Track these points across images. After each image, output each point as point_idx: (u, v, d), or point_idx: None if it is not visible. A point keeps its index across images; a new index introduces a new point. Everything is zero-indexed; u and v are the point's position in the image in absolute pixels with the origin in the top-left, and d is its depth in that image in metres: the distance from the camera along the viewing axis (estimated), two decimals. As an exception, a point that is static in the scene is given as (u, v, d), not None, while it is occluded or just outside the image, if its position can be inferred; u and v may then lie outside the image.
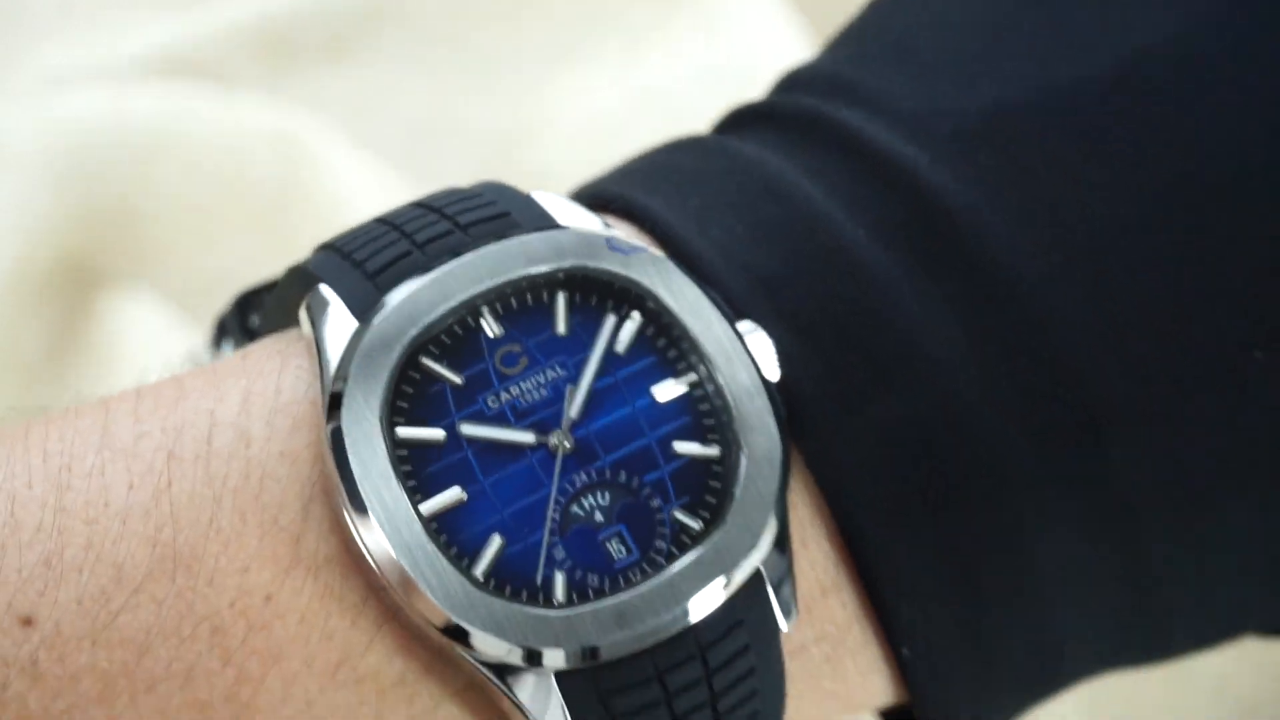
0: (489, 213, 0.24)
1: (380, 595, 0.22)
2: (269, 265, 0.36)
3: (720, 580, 0.22)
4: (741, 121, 0.28)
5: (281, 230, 0.42)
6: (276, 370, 0.23)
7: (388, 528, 0.21)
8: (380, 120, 0.46)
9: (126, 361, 0.40)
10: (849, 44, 0.29)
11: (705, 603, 0.21)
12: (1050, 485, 0.24)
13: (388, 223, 0.23)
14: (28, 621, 0.21)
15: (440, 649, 0.22)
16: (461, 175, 0.41)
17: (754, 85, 0.37)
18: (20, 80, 0.45)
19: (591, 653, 0.21)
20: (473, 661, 0.21)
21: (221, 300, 0.35)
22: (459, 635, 0.21)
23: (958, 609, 0.24)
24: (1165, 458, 0.24)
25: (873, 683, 0.25)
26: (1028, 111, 0.25)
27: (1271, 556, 0.26)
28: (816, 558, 0.24)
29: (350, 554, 0.22)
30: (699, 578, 0.22)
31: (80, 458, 0.22)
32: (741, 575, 0.22)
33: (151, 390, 0.23)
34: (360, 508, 0.21)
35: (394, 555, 0.21)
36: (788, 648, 0.23)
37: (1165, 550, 0.25)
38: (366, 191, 0.42)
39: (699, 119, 0.37)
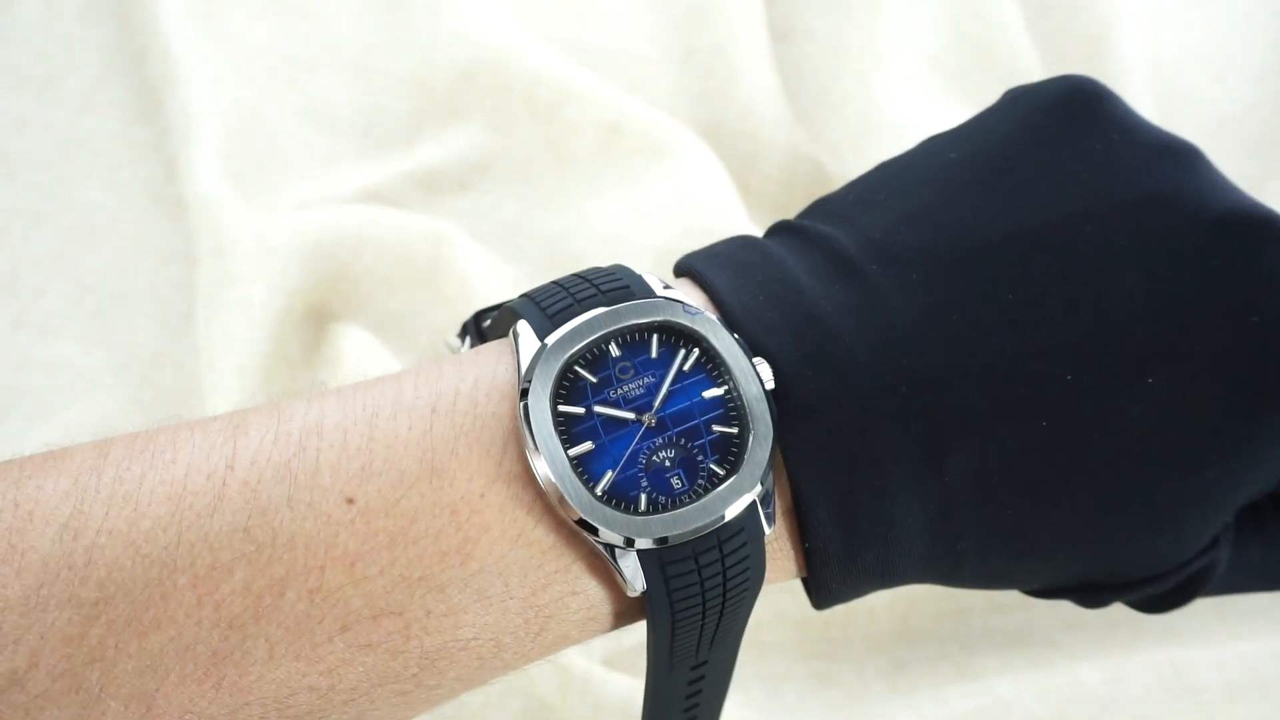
0: (617, 285, 0.30)
1: (543, 499, 0.28)
2: (426, 309, 0.52)
3: (734, 503, 0.29)
4: (777, 230, 0.34)
5: (433, 287, 0.52)
6: (493, 364, 0.30)
7: (549, 462, 0.28)
8: (488, 227, 0.55)
9: (346, 365, 0.49)
10: (854, 190, 0.34)
11: (729, 512, 0.29)
12: (906, 460, 0.30)
13: (561, 285, 0.31)
14: (351, 500, 0.28)
15: (574, 533, 0.28)
16: (535, 258, 0.54)
17: (701, 208, 0.51)
18: (283, 202, 0.54)
19: (662, 540, 0.28)
20: (594, 542, 0.28)
21: (399, 330, 0.52)
22: (587, 528, 0.28)
23: (839, 531, 0.30)
24: (981, 457, 0.30)
25: (794, 566, 0.32)
26: (942, 245, 0.31)
27: (1041, 545, 0.31)
28: (778, 495, 0.31)
29: (528, 475, 0.28)
30: (723, 501, 0.29)
31: (382, 408, 0.29)
32: (746, 501, 0.29)
33: (426, 369, 0.30)
34: (534, 449, 0.28)
35: (552, 478, 0.28)
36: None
37: (974, 533, 0.31)
38: (480, 266, 0.52)
39: (670, 228, 0.52)
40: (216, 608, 0.27)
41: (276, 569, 0.27)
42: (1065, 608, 0.49)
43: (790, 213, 0.57)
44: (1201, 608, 0.49)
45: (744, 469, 0.29)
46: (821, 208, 0.34)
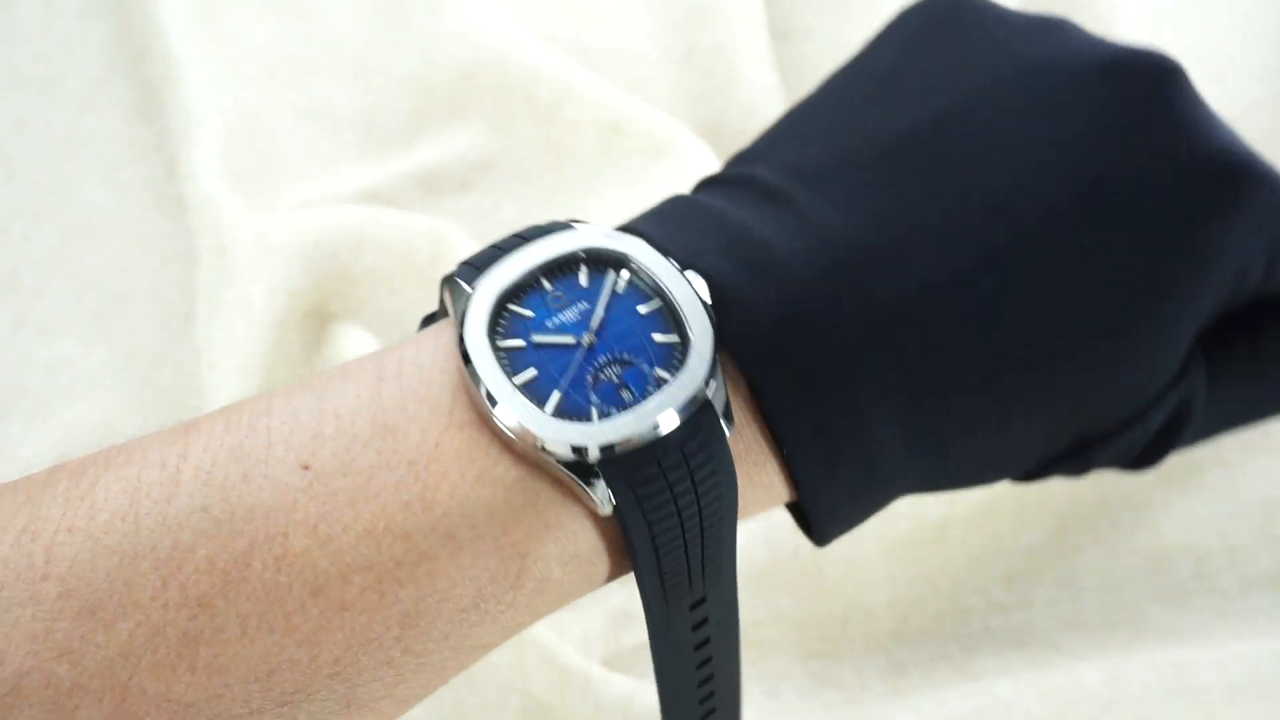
0: (542, 229, 0.31)
1: (500, 439, 0.28)
2: (427, 309, 0.51)
3: (683, 401, 0.29)
4: (700, 185, 0.36)
5: (434, 287, 0.50)
6: (436, 332, 0.31)
7: (496, 392, 0.28)
8: (489, 227, 0.55)
9: (345, 360, 0.43)
10: (765, 136, 0.36)
11: (671, 417, 0.29)
12: (862, 343, 0.30)
13: (493, 244, 0.31)
14: (306, 466, 0.28)
15: (536, 459, 0.28)
16: None
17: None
18: (283, 202, 0.54)
19: (610, 448, 0.28)
20: (555, 465, 0.28)
21: (399, 329, 0.51)
22: (544, 450, 0.28)
23: (809, 422, 0.30)
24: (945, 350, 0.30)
25: (779, 483, 0.31)
26: (849, 155, 0.33)
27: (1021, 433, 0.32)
28: (739, 403, 0.31)
29: (481, 416, 0.29)
30: (671, 399, 0.29)
31: (329, 384, 0.29)
32: (693, 397, 0.29)
33: (379, 350, 0.31)
34: (477, 383, 0.28)
35: (504, 405, 0.28)
36: (734, 455, 0.30)
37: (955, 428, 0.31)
38: None
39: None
40: (182, 588, 0.26)
41: (239, 542, 0.27)
42: (1065, 608, 0.49)
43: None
44: (1202, 607, 0.49)
45: (687, 369, 0.29)
46: (737, 159, 0.35)
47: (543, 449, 0.28)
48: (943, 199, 0.31)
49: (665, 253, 0.31)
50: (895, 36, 0.36)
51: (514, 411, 0.28)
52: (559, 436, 0.28)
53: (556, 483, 0.29)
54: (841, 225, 0.31)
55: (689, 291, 0.30)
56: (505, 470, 0.28)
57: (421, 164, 0.55)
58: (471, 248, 0.52)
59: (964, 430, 0.31)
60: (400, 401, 0.29)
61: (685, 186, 0.52)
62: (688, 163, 0.54)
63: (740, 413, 0.31)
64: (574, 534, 0.29)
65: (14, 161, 0.56)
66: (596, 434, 0.28)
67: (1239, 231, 0.32)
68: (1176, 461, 0.51)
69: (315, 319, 0.52)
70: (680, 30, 0.59)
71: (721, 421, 0.29)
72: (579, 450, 0.28)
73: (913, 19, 0.36)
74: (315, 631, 0.27)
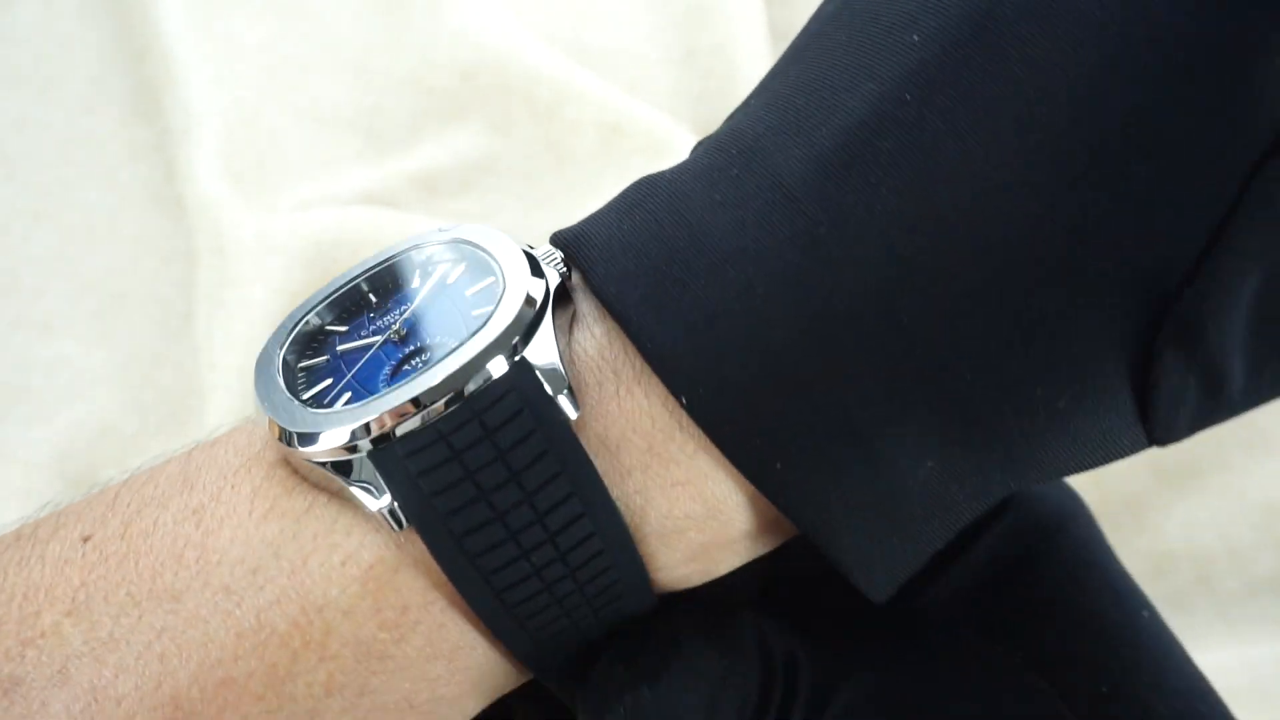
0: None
1: (292, 463, 0.24)
2: None
3: (469, 356, 0.23)
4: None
5: None
6: None
7: (276, 411, 0.24)
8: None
9: None
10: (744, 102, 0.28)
11: (453, 378, 0.23)
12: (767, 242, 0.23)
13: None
14: (87, 538, 0.25)
15: (311, 475, 0.24)
16: None
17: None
18: (283, 202, 0.54)
19: (377, 430, 0.22)
20: (317, 466, 0.23)
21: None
22: (315, 445, 0.23)
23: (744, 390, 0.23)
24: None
25: (700, 463, 0.23)
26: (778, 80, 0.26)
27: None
28: (597, 355, 0.24)
29: (274, 448, 0.25)
30: (453, 361, 0.23)
31: (145, 464, 0.27)
32: (481, 354, 0.23)
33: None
34: (261, 404, 0.25)
35: (279, 424, 0.24)
36: (609, 444, 0.23)
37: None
38: None
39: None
40: None
41: (21, 607, 0.23)
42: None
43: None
44: (1203, 610, 0.49)
45: (486, 327, 0.23)
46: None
47: (310, 458, 0.23)
48: (852, 48, 0.24)
49: (556, 237, 0.26)
50: None
51: (281, 416, 0.24)
52: (310, 426, 0.23)
53: (341, 500, 0.24)
54: (745, 127, 0.25)
55: (519, 258, 0.25)
56: (298, 501, 0.24)
57: (421, 164, 0.55)
58: None
59: (973, 342, 0.22)
60: (209, 455, 0.25)
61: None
62: (687, 163, 0.53)
63: (636, 392, 0.24)
64: (390, 578, 0.23)
65: (13, 162, 0.56)
66: (355, 416, 0.23)
67: None
68: (1177, 463, 0.51)
69: (314, 320, 0.52)
70: (680, 30, 0.60)
71: (544, 383, 0.23)
72: (349, 448, 0.23)
73: None
74: None
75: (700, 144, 0.26)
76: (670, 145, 0.55)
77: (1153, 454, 0.51)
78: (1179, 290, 0.22)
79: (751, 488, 0.23)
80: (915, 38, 0.22)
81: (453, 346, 0.23)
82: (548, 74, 0.56)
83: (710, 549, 0.24)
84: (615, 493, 0.23)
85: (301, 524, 0.24)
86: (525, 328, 0.23)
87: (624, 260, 0.23)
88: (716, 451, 0.23)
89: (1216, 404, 0.24)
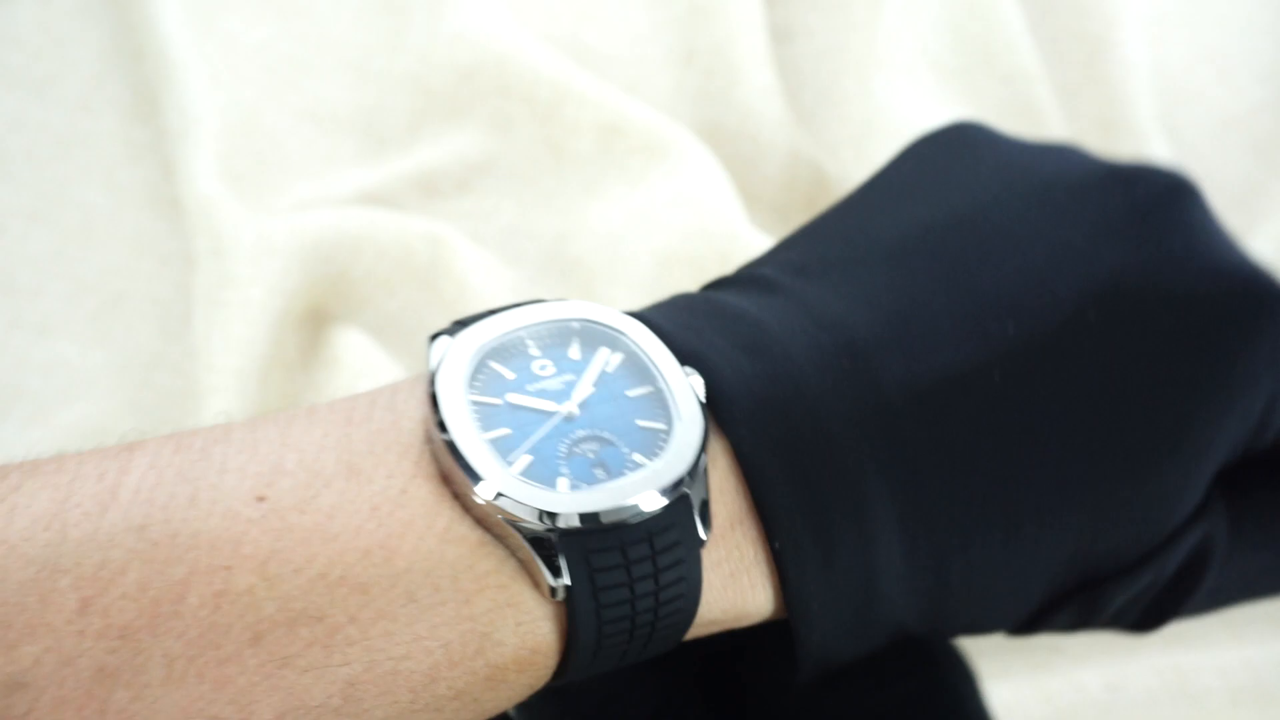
0: (543, 300, 0.30)
1: (461, 495, 0.26)
2: (425, 312, 0.52)
3: (658, 487, 0.27)
4: (705, 287, 0.34)
5: (432, 290, 0.52)
6: (414, 382, 0.29)
7: (461, 442, 0.26)
8: (488, 228, 0.55)
9: (344, 367, 0.49)
10: (775, 247, 0.34)
11: (648, 500, 0.26)
12: (861, 433, 0.28)
13: (487, 310, 0.29)
14: (261, 498, 0.25)
15: (494, 524, 0.26)
16: (535, 260, 0.54)
17: (701, 209, 0.52)
18: (281, 203, 0.54)
19: (583, 517, 0.26)
20: (511, 527, 0.26)
21: (398, 331, 0.51)
22: (505, 512, 0.26)
23: (807, 519, 0.28)
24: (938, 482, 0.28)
25: (764, 587, 0.29)
26: (856, 253, 0.31)
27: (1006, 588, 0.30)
28: (730, 502, 0.28)
29: (444, 471, 0.26)
30: (646, 483, 0.27)
31: (295, 421, 0.27)
32: (669, 486, 0.27)
33: (351, 395, 0.29)
34: (444, 430, 0.26)
35: (469, 459, 0.26)
36: (708, 559, 0.28)
37: (958, 566, 0.29)
38: (479, 269, 0.52)
39: (670, 230, 0.52)
40: (105, 614, 0.23)
41: (177, 570, 0.23)
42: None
43: (790, 214, 0.58)
44: (1204, 611, 0.49)
45: (668, 454, 0.27)
46: (745, 265, 0.34)
47: (502, 511, 0.26)
48: (952, 294, 0.30)
49: (664, 336, 0.29)
50: (910, 156, 0.35)
51: (479, 461, 0.26)
52: (526, 499, 0.26)
53: (520, 550, 0.26)
54: (846, 314, 0.29)
55: (682, 380, 0.28)
56: (470, 530, 0.26)
57: (420, 165, 0.55)
58: (470, 250, 0.53)
59: (964, 544, 0.29)
60: (368, 444, 0.26)
61: (684, 187, 0.54)
62: (688, 164, 0.54)
63: (729, 507, 0.28)
64: (533, 619, 0.26)
65: (11, 161, 0.56)
66: (566, 503, 0.26)
67: (1264, 356, 0.30)
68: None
69: (313, 321, 0.52)
70: (680, 30, 0.60)
71: (697, 521, 0.27)
72: (546, 518, 0.26)
73: (927, 143, 0.35)
74: (249, 688, 0.23)
75: (770, 283, 0.31)
76: (669, 146, 0.55)
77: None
78: (1106, 576, 0.31)
79: (778, 604, 0.29)
80: (1010, 329, 0.29)
81: (636, 463, 0.27)
82: (547, 74, 0.56)
83: (715, 627, 0.29)
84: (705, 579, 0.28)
85: (476, 556, 0.26)
86: (695, 464, 0.27)
87: (762, 433, 0.28)
88: (772, 582, 0.29)
89: (1066, 631, 0.33)
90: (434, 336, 0.29)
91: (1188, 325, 0.29)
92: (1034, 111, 0.58)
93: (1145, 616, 0.33)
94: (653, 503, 0.26)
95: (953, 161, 0.34)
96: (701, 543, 0.27)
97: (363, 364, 0.50)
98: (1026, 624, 0.32)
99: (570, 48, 0.59)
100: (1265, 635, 0.48)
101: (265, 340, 0.49)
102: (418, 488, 0.26)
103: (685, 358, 0.29)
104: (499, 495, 0.26)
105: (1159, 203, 0.31)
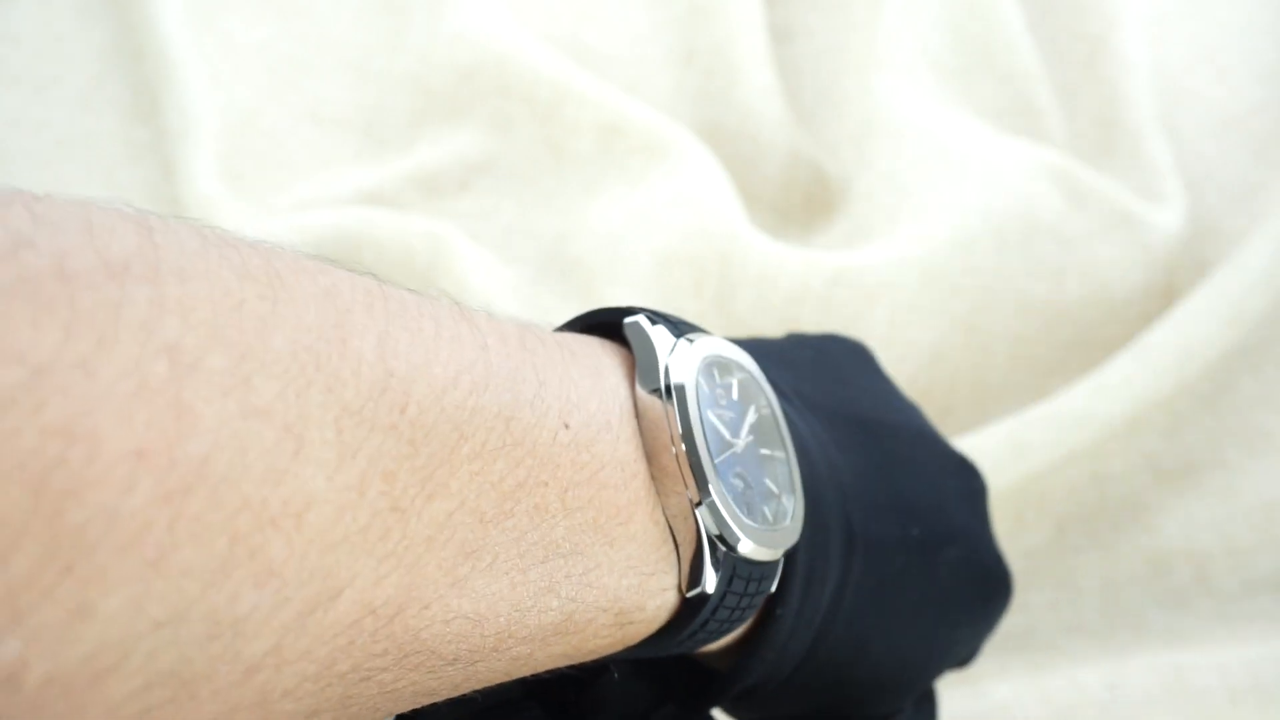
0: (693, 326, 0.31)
1: (667, 482, 0.27)
2: None
3: (794, 538, 0.30)
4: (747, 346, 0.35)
5: (431, 287, 0.47)
6: (622, 356, 0.29)
7: (695, 440, 0.27)
8: (488, 228, 0.56)
9: None
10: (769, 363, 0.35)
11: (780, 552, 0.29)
12: (837, 556, 0.32)
13: (657, 313, 0.30)
14: (567, 426, 0.26)
15: (684, 520, 0.28)
16: (534, 259, 0.55)
17: (701, 209, 0.52)
18: (282, 202, 0.55)
19: (734, 546, 0.28)
20: (706, 530, 0.27)
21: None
22: (716, 516, 0.27)
23: (802, 598, 0.32)
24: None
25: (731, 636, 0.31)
26: (835, 410, 0.35)
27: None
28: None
29: (658, 457, 0.27)
30: (791, 535, 0.30)
31: (567, 358, 0.27)
32: (793, 537, 0.30)
33: (586, 340, 0.29)
34: (680, 427, 0.27)
35: (702, 455, 0.27)
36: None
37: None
38: (478, 268, 0.53)
39: (670, 230, 0.52)
40: (479, 495, 0.24)
41: (520, 472, 0.24)
42: (1065, 611, 0.49)
43: (789, 214, 0.59)
44: (1203, 610, 0.49)
45: (789, 521, 0.30)
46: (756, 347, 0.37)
47: (703, 517, 0.27)
48: (891, 481, 0.35)
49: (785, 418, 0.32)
50: (825, 341, 0.40)
51: (710, 471, 0.27)
52: (747, 531, 0.28)
53: (688, 545, 0.28)
54: (839, 460, 0.34)
55: (793, 462, 0.31)
56: (662, 517, 0.28)
57: (420, 165, 0.57)
58: (470, 250, 0.54)
59: (847, 634, 0.34)
60: (618, 402, 0.28)
61: (684, 187, 0.54)
62: (687, 164, 0.55)
63: None
64: (666, 600, 0.28)
65: (11, 161, 0.56)
66: (772, 539, 0.29)
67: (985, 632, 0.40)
68: (1176, 463, 0.51)
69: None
70: (680, 30, 0.60)
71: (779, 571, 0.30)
72: (726, 540, 0.28)
73: (841, 341, 0.41)
74: (524, 600, 0.25)
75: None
76: (669, 146, 0.55)
77: (1152, 454, 0.52)
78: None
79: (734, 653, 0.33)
80: (915, 532, 0.35)
81: (782, 513, 0.30)
82: (547, 74, 0.56)
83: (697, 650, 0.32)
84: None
85: (663, 551, 0.28)
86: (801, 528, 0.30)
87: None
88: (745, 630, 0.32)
89: None
90: (650, 319, 0.29)
91: (976, 582, 0.38)
92: (1034, 111, 0.58)
93: None
94: (787, 546, 0.30)
95: (862, 363, 0.40)
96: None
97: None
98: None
99: (570, 48, 0.60)
100: (1265, 635, 0.48)
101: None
102: (641, 464, 0.27)
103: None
104: (709, 504, 0.28)
105: (981, 489, 0.40)
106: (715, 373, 0.29)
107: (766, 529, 0.29)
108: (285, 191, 0.56)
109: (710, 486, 0.27)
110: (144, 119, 0.58)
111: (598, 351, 0.28)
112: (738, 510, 0.28)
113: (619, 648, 0.29)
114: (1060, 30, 0.62)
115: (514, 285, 0.54)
